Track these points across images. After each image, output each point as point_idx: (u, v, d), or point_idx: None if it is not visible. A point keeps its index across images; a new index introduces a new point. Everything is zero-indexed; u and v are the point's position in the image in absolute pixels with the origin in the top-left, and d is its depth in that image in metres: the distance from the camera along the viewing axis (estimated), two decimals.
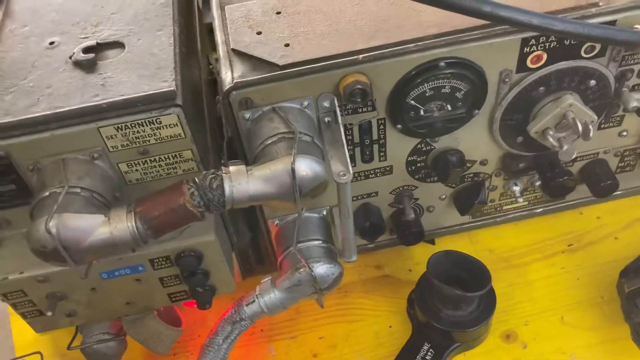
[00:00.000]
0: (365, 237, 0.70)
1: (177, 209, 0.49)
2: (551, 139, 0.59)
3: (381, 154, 0.62)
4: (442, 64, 0.54)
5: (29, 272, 0.56)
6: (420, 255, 0.78)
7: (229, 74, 0.53)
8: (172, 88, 0.50)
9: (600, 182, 0.68)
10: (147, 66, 0.53)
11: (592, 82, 0.59)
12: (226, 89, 0.53)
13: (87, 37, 0.57)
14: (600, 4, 0.55)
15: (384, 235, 0.71)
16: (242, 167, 0.50)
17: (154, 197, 0.50)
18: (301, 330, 0.75)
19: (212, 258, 0.58)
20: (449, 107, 0.58)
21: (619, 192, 0.74)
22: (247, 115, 0.54)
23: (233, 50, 0.55)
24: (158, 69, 0.53)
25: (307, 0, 0.58)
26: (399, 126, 0.59)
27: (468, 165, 0.65)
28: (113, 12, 0.59)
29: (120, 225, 0.48)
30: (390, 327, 0.74)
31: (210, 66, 0.83)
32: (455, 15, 0.49)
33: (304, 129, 0.53)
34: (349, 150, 0.55)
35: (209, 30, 0.87)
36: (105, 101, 0.50)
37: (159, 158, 0.54)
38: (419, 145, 0.63)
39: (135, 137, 0.52)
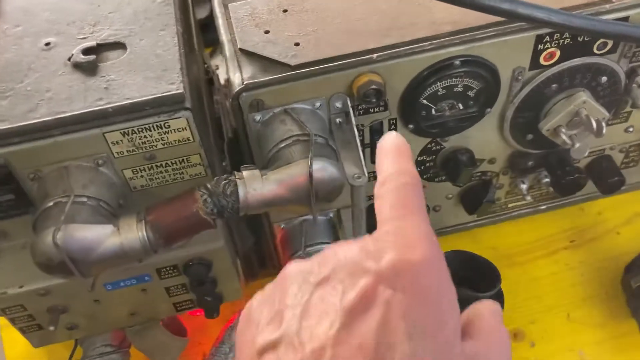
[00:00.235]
0: None
1: (190, 216, 0.47)
2: (564, 137, 0.59)
3: None
4: (457, 62, 0.53)
5: (29, 285, 0.53)
6: None
7: (238, 75, 0.51)
8: (180, 91, 0.48)
9: (607, 178, 0.67)
10: (152, 68, 0.51)
11: (604, 79, 0.58)
12: (236, 90, 0.51)
13: (85, 38, 0.54)
14: (614, 0, 0.54)
15: None
16: (257, 172, 0.49)
17: (165, 205, 0.47)
18: None
19: (221, 265, 0.56)
20: (461, 106, 0.57)
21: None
22: (258, 117, 0.52)
23: (241, 50, 0.53)
24: (164, 70, 0.50)
25: None
26: (411, 126, 0.58)
27: (477, 164, 0.64)
28: (111, 11, 0.56)
29: (130, 235, 0.46)
30: None
31: (205, 65, 0.80)
32: (469, 12, 0.48)
33: (317, 131, 0.51)
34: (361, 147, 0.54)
35: (202, 26, 0.85)
36: (110, 105, 0.47)
37: (166, 163, 0.51)
38: (429, 145, 0.61)
39: (142, 142, 0.49)
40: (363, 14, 0.54)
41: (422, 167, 0.64)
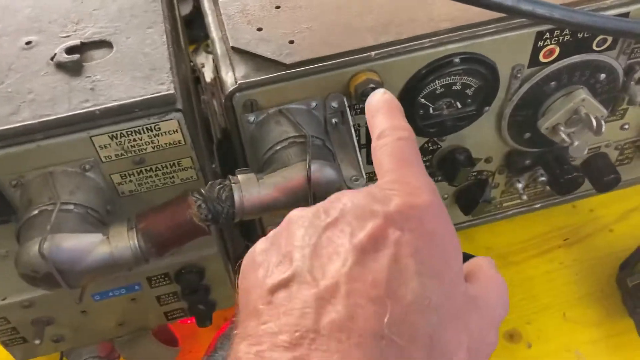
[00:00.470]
0: None
1: (184, 223, 0.45)
2: (563, 135, 0.58)
3: None
4: (456, 60, 0.51)
5: (12, 297, 0.51)
6: None
7: (231, 75, 0.49)
8: (171, 91, 0.46)
9: (603, 176, 0.67)
10: (139, 67, 0.48)
11: (602, 76, 0.57)
12: (229, 91, 0.48)
13: (68, 36, 0.51)
14: None
15: None
16: (252, 176, 0.47)
17: (157, 211, 0.45)
18: None
19: (214, 272, 0.54)
20: (459, 105, 0.55)
21: None
22: (252, 118, 0.50)
23: (233, 48, 0.51)
24: (153, 70, 0.48)
25: None
26: None
27: (475, 163, 0.62)
28: (95, 8, 0.54)
29: (121, 243, 0.44)
30: None
31: (192, 63, 0.78)
32: (468, 8, 0.46)
33: (314, 132, 0.49)
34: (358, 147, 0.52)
35: (185, 22, 0.83)
36: (97, 107, 0.45)
37: (156, 167, 0.49)
38: (426, 145, 0.60)
39: (131, 146, 0.47)
40: (359, 10, 0.53)
41: None
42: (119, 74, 0.48)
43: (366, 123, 0.55)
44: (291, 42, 0.51)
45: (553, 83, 0.56)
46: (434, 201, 0.34)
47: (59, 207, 0.44)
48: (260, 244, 0.35)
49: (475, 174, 0.66)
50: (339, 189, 0.48)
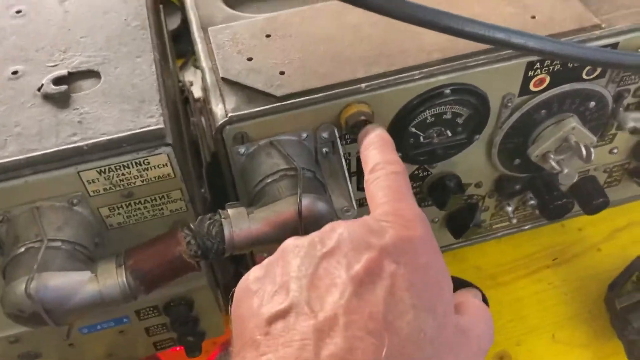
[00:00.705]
0: None
1: (173, 260, 0.44)
2: (552, 162, 0.58)
3: None
4: (447, 91, 0.51)
5: None
6: None
7: (221, 107, 0.49)
8: (160, 125, 0.45)
9: (592, 200, 0.67)
10: (128, 99, 0.48)
11: (592, 104, 0.57)
12: (219, 124, 0.48)
13: (56, 65, 0.51)
14: (603, 25, 0.53)
15: None
16: (242, 210, 0.46)
17: (146, 248, 0.45)
18: None
19: (203, 303, 0.54)
20: (449, 133, 0.55)
21: None
22: (242, 150, 0.50)
23: (223, 79, 0.50)
24: (142, 102, 0.47)
25: (297, 22, 0.54)
26: (399, 154, 0.55)
27: (465, 189, 0.63)
28: (83, 36, 0.53)
29: (109, 281, 0.43)
30: None
31: (180, 83, 0.77)
32: (459, 39, 0.46)
33: (305, 164, 0.49)
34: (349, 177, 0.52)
35: (172, 37, 0.82)
36: (85, 142, 0.44)
37: (145, 200, 0.49)
38: (416, 172, 0.60)
39: (120, 180, 0.46)
40: (350, 40, 0.52)
41: None
42: (107, 106, 0.47)
43: (357, 152, 0.56)
44: (282, 72, 0.50)
45: (543, 111, 0.57)
46: (427, 234, 0.35)
47: (46, 244, 0.43)
48: (255, 272, 0.35)
49: (465, 198, 0.66)
50: (329, 222, 0.48)
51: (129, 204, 0.48)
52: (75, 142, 0.45)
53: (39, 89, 0.48)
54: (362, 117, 0.49)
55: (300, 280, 0.32)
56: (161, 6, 0.73)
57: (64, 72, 0.49)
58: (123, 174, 0.46)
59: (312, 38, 0.53)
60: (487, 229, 0.73)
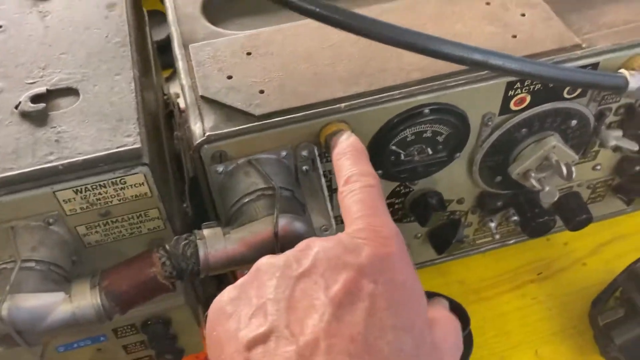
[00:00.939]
0: None
1: (148, 281, 0.44)
2: (533, 181, 0.58)
3: None
4: (426, 110, 0.51)
5: None
6: None
7: (199, 125, 0.49)
8: (137, 145, 0.45)
9: (575, 216, 0.67)
10: (106, 117, 0.47)
11: (574, 122, 0.57)
12: (197, 143, 0.48)
13: (34, 82, 0.50)
14: (584, 45, 0.53)
15: None
16: (218, 230, 0.46)
17: (121, 269, 0.44)
18: None
19: (181, 321, 0.54)
20: (430, 151, 0.55)
21: None
22: (220, 169, 0.50)
23: (202, 97, 0.50)
24: (119, 120, 0.47)
25: (279, 39, 0.54)
26: (380, 171, 0.56)
27: (447, 205, 0.63)
28: (63, 52, 0.53)
29: (83, 302, 0.43)
30: None
31: (165, 97, 0.77)
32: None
33: (283, 183, 0.49)
34: (328, 195, 0.52)
35: (159, 47, 0.82)
36: (61, 162, 0.44)
37: (122, 218, 0.48)
38: (398, 188, 0.60)
39: (96, 199, 0.46)
40: (331, 59, 0.52)
41: (390, 210, 0.62)
42: (84, 124, 0.47)
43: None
44: (261, 91, 0.50)
45: (524, 130, 0.57)
46: (402, 250, 0.35)
47: (19, 265, 0.43)
48: (228, 293, 0.35)
49: (448, 214, 0.66)
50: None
51: (106, 222, 0.48)
52: (52, 161, 0.44)
53: (16, 107, 0.48)
54: None
55: (278, 303, 0.32)
56: (147, 19, 0.74)
57: (42, 89, 0.49)
58: (100, 193, 0.46)
59: (293, 56, 0.53)
60: (471, 244, 0.73)
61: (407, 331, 0.32)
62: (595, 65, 0.54)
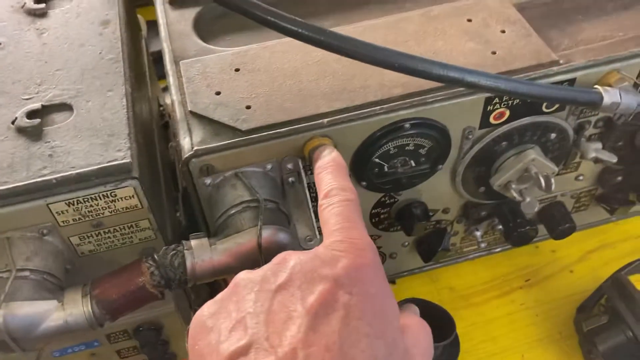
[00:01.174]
0: None
1: (136, 290, 0.46)
2: (514, 192, 0.59)
3: None
4: (407, 125, 0.53)
5: None
6: None
7: (188, 140, 0.51)
8: (127, 160, 0.47)
9: (559, 225, 0.69)
10: (98, 132, 0.50)
11: (553, 135, 0.59)
12: (185, 156, 0.50)
13: (30, 98, 0.53)
14: (561, 62, 0.55)
15: None
16: (205, 241, 0.48)
17: (111, 278, 0.46)
18: None
19: (172, 327, 0.56)
20: (413, 163, 0.57)
21: None
22: (208, 181, 0.52)
23: (191, 112, 0.52)
24: (111, 135, 0.49)
25: (267, 56, 0.56)
26: (364, 183, 0.58)
27: (430, 214, 0.64)
28: (58, 69, 0.55)
29: (75, 310, 0.45)
30: None
31: (161, 108, 0.79)
32: None
33: (268, 195, 0.51)
34: (312, 207, 0.53)
35: (155, 59, 0.84)
36: (55, 176, 0.46)
37: (114, 229, 0.51)
38: (383, 199, 0.62)
39: (89, 211, 0.48)
40: (315, 75, 0.54)
41: (376, 219, 0.64)
42: (77, 139, 0.49)
43: None
44: (248, 107, 0.52)
45: (504, 143, 0.58)
46: (376, 262, 0.37)
47: (14, 274, 0.45)
48: (208, 308, 0.36)
49: (434, 223, 0.67)
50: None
51: (99, 233, 0.50)
52: (45, 175, 0.47)
53: (12, 122, 0.50)
54: None
55: (257, 316, 0.33)
56: (144, 31, 0.76)
57: (37, 105, 0.51)
58: (91, 206, 0.48)
59: (279, 72, 0.55)
60: (458, 252, 0.75)
61: (380, 339, 0.34)
62: (572, 81, 0.55)
